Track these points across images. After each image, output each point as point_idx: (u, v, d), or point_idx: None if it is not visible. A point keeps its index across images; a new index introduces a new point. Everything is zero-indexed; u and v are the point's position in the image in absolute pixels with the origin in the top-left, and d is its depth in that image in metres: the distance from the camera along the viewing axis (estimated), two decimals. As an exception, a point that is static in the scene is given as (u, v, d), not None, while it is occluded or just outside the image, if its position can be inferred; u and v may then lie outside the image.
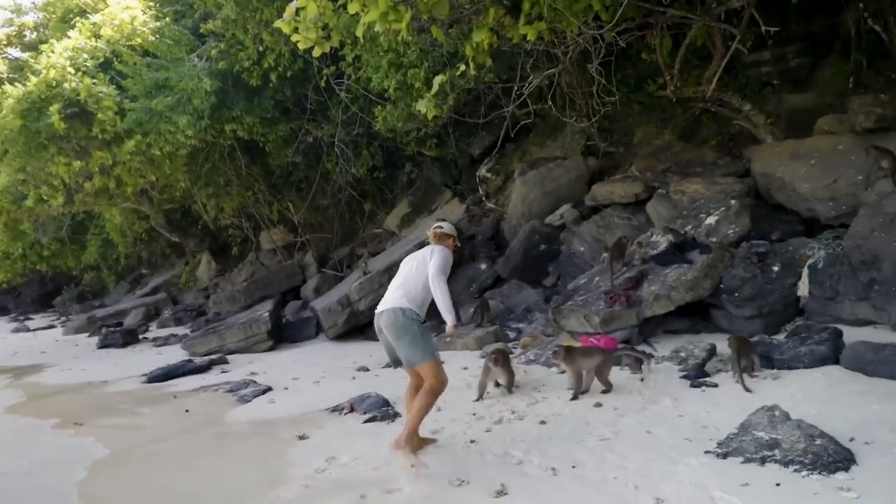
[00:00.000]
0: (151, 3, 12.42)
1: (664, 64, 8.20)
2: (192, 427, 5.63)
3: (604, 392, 4.92)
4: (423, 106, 5.72)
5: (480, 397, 5.21)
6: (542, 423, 4.50)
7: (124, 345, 11.41)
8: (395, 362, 4.31)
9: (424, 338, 4.10)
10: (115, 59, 11.24)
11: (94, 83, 10.62)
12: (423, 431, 4.24)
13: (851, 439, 3.49)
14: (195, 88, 10.01)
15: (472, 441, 4.28)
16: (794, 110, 8.56)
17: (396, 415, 5.12)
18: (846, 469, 3.18)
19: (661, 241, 7.10)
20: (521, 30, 5.68)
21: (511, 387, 5.29)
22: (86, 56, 11.35)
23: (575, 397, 4.88)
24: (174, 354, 9.50)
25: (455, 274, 9.84)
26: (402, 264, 4.47)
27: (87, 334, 13.89)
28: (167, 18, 11.82)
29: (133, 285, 19.58)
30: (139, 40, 11.52)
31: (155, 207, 15.01)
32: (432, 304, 4.27)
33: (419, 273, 4.22)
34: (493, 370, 5.19)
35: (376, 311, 4.26)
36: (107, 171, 12.03)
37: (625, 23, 6.47)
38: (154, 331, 13.34)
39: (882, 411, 3.89)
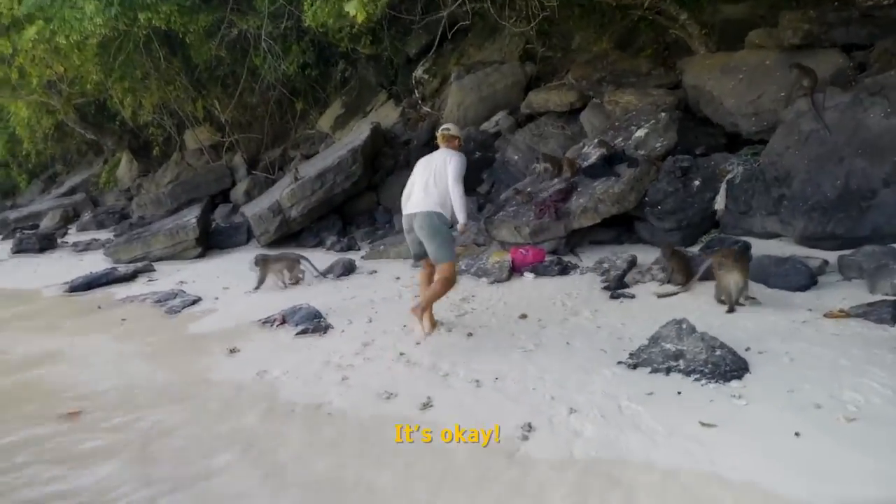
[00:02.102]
0: None
1: (606, -34, 7.96)
2: (117, 341, 5.51)
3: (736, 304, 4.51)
4: (353, 8, 5.36)
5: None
6: (470, 335, 4.68)
7: (42, 250, 10.92)
8: (416, 257, 4.92)
9: (451, 242, 4.70)
10: (4, -70, 9.87)
11: (-19, -41, 9.42)
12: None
13: (747, 349, 3.81)
14: (101, -30, 8.99)
15: (402, 353, 4.40)
16: (728, 20, 8.57)
17: (329, 327, 5.19)
18: (740, 377, 3.49)
19: (593, 154, 7.20)
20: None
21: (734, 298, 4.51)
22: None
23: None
24: (97, 261, 9.19)
25: (388, 182, 9.75)
26: (416, 167, 4.86)
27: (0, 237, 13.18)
28: None
29: (47, 184, 18.44)
30: None
31: (64, 101, 13.86)
32: None
33: (440, 179, 4.64)
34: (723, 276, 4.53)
35: (405, 213, 4.75)
36: (7, 61, 10.97)
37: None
38: (74, 235, 12.77)
39: (776, 322, 4.24)
